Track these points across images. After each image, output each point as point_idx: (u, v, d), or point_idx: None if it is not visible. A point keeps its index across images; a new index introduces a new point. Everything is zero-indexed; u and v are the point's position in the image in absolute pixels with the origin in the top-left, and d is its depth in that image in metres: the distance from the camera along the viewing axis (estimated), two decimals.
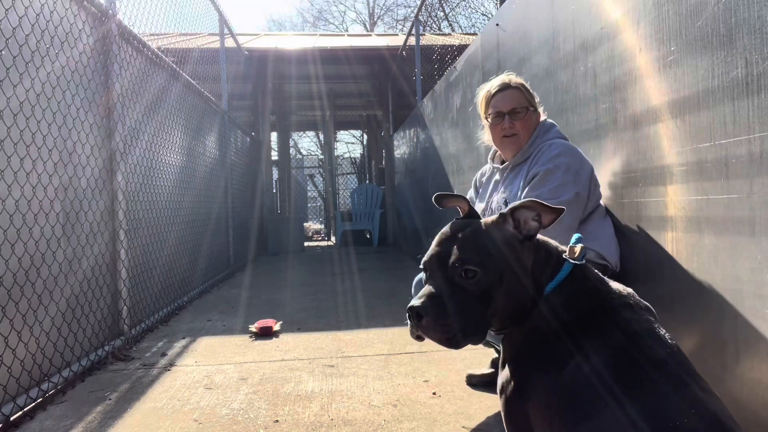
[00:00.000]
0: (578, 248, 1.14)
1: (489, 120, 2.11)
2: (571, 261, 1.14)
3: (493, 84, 2.13)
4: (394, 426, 1.99)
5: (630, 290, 1.15)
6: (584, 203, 1.91)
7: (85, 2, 2.89)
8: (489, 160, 2.26)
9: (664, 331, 1.08)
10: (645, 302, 1.14)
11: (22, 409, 2.14)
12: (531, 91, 2.12)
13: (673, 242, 1.69)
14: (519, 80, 2.12)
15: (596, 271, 1.18)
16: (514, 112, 2.04)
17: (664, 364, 0.98)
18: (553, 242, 1.21)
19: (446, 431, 1.94)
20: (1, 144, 2.14)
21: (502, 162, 2.17)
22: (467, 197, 2.20)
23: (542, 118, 2.12)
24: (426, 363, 2.72)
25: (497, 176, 2.16)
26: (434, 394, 2.30)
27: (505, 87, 2.08)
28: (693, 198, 1.58)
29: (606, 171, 2.08)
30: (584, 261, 1.15)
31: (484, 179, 2.27)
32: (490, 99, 2.11)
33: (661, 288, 1.75)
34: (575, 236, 1.19)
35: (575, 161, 1.91)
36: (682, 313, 1.65)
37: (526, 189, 1.91)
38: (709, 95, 1.49)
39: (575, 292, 1.11)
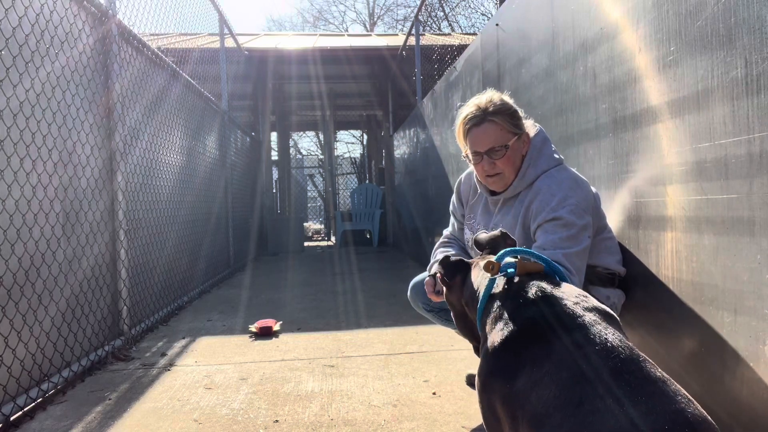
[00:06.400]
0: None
1: (469, 156, 1.93)
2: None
3: (468, 111, 1.90)
4: (394, 426, 1.99)
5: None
6: (591, 239, 1.81)
7: (85, 2, 2.89)
8: (477, 182, 2.06)
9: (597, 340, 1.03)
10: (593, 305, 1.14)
11: (22, 409, 2.14)
12: (514, 111, 1.90)
13: (673, 242, 1.69)
14: (498, 101, 1.88)
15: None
16: (493, 151, 1.85)
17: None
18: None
19: (446, 431, 1.94)
20: (1, 144, 2.15)
21: (491, 191, 2.02)
22: (451, 208, 2.20)
23: (532, 132, 1.93)
24: (426, 363, 2.72)
25: (490, 206, 2.03)
26: (434, 394, 2.30)
27: (480, 120, 1.86)
28: (693, 198, 1.58)
29: (605, 171, 2.08)
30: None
31: (473, 201, 2.11)
32: (467, 132, 1.90)
33: (660, 288, 1.75)
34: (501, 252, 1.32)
35: (579, 195, 1.79)
36: (682, 314, 1.65)
37: (539, 232, 1.77)
38: (708, 95, 1.49)
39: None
